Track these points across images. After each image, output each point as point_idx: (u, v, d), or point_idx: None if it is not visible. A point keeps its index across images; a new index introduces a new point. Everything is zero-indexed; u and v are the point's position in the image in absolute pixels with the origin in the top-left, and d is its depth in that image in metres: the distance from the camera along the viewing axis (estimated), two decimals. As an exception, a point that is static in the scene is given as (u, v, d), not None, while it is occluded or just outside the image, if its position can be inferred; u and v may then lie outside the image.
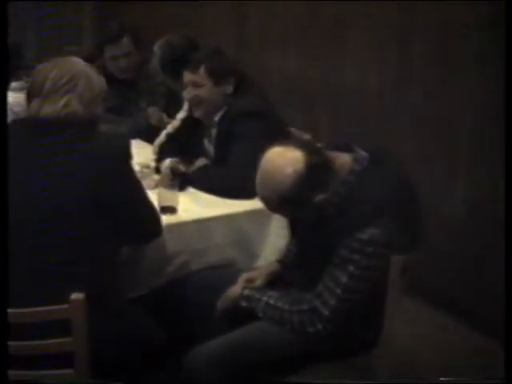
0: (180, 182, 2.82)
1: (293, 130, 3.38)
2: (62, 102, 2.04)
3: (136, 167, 2.89)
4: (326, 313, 2.02)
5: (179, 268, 2.54)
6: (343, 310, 2.02)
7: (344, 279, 1.99)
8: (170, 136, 3.20)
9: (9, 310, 1.68)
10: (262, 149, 2.04)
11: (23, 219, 1.97)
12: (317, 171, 1.96)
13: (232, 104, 2.84)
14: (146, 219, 2.22)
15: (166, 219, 2.47)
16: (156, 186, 2.77)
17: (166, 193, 2.58)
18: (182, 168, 2.89)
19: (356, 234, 1.95)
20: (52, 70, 2.10)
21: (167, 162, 2.95)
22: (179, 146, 3.10)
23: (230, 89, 2.87)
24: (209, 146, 3.03)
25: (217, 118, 2.89)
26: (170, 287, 2.52)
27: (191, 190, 2.83)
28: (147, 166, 3.00)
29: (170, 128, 3.21)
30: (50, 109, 2.04)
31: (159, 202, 2.56)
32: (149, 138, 3.37)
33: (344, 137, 2.59)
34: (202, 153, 3.05)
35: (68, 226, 1.98)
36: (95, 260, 2.03)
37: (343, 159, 2.05)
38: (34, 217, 1.97)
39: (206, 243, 2.59)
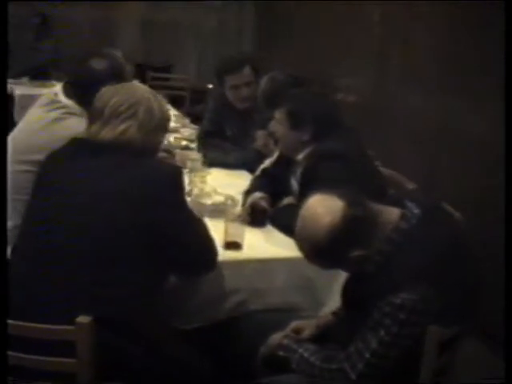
0: (260, 218, 2.77)
1: (393, 173, 3.24)
2: (120, 129, 2.07)
3: (219, 198, 2.90)
4: (353, 377, 1.89)
5: (237, 306, 2.48)
6: (371, 375, 1.87)
7: (374, 344, 1.85)
8: (264, 171, 3.17)
9: (11, 322, 1.71)
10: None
11: (61, 235, 1.99)
12: (356, 224, 1.84)
13: (317, 145, 2.74)
14: (195, 252, 2.17)
15: (227, 254, 2.43)
16: (234, 219, 2.73)
17: (233, 227, 2.53)
18: (263, 204, 2.83)
19: (389, 297, 1.80)
20: (113, 95, 2.13)
21: (253, 196, 2.91)
22: (271, 182, 3.04)
23: (306, 136, 2.77)
24: (295, 185, 2.95)
25: (300, 157, 2.80)
26: (226, 324, 2.46)
27: (268, 226, 2.76)
28: (232, 199, 2.98)
29: (267, 162, 3.19)
30: (109, 134, 2.07)
31: (225, 236, 2.52)
32: (255, 168, 3.34)
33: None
34: (291, 192, 2.97)
35: (103, 247, 1.97)
36: (131, 285, 2.00)
37: (390, 215, 1.91)
38: (73, 233, 1.98)
39: (268, 284, 2.51)
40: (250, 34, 8.12)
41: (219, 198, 2.96)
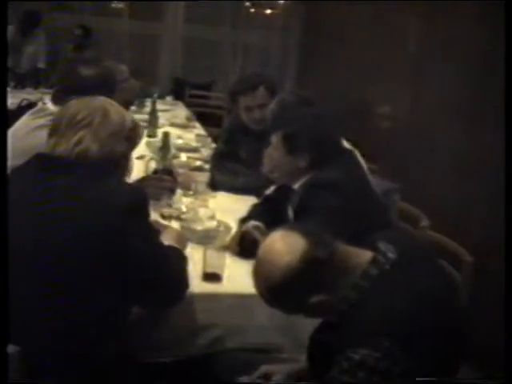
0: (249, 249, 2.60)
1: (407, 207, 3.04)
2: (74, 139, 1.93)
3: (211, 224, 2.74)
4: None
5: (211, 342, 2.31)
6: None
7: None
8: (266, 198, 3.00)
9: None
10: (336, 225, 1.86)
11: (20, 255, 1.86)
12: (317, 266, 1.65)
13: (313, 174, 2.56)
14: (158, 284, 2.01)
15: (203, 286, 2.28)
16: (221, 248, 2.57)
17: (213, 257, 2.37)
18: (255, 234, 2.65)
19: (348, 352, 1.60)
20: (71, 107, 2.02)
21: (247, 224, 2.75)
22: (270, 210, 2.87)
23: (303, 163, 2.59)
24: (291, 215, 2.76)
25: (297, 186, 2.62)
26: (196, 360, 2.29)
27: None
28: (226, 226, 2.81)
29: (269, 190, 3.01)
30: (63, 147, 1.94)
31: (203, 266, 2.36)
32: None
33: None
34: (287, 222, 2.78)
35: (56, 277, 1.84)
36: (88, 315, 1.87)
37: (360, 258, 1.71)
38: (29, 256, 1.86)
39: (246, 321, 2.33)
40: (293, 52, 7.98)
41: (211, 224, 2.80)
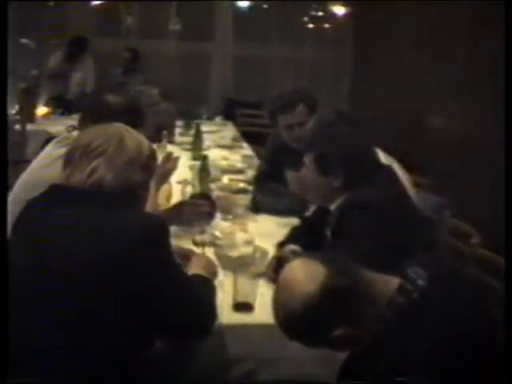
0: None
1: (460, 224, 2.88)
2: (88, 169, 1.87)
3: (247, 250, 2.64)
4: None
5: (244, 376, 2.19)
6: None
7: None
8: (304, 221, 2.88)
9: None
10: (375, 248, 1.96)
11: (34, 283, 1.80)
12: (339, 297, 1.53)
13: (348, 194, 2.43)
14: (181, 316, 1.90)
15: (233, 316, 2.17)
16: (260, 275, 2.48)
17: (245, 285, 2.27)
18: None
19: None
20: (85, 135, 1.96)
21: (284, 249, 2.63)
22: (308, 233, 2.75)
23: (337, 183, 2.46)
24: (329, 238, 2.63)
25: (333, 207, 2.49)
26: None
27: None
28: (262, 251, 2.70)
29: (308, 212, 2.90)
30: (78, 177, 1.87)
31: (234, 295, 2.25)
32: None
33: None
34: (325, 244, 2.65)
35: (71, 302, 1.76)
36: (105, 351, 1.78)
37: (387, 286, 1.58)
38: (42, 285, 1.79)
39: (280, 353, 2.20)
40: (346, 66, 7.85)
41: (247, 250, 2.69)
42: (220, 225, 3.11)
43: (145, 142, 2.00)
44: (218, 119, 6.77)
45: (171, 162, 2.87)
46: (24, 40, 6.79)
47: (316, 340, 1.60)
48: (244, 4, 8.26)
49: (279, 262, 2.52)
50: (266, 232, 3.07)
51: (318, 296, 1.52)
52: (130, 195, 1.90)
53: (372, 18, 7.01)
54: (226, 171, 4.32)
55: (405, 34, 6.20)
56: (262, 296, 2.29)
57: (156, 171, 2.55)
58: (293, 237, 2.77)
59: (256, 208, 3.43)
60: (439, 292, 1.58)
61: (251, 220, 3.26)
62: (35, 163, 2.72)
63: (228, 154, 5.05)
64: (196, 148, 4.78)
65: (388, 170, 2.57)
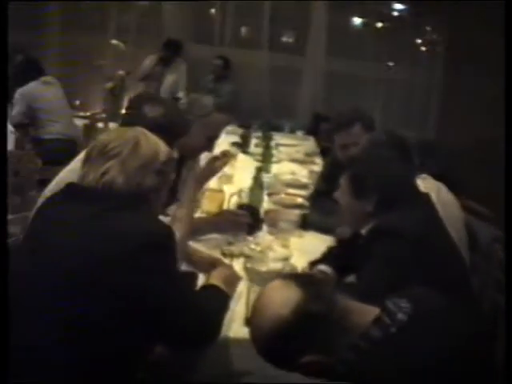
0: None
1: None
2: (102, 169, 1.91)
3: (276, 266, 2.63)
4: None
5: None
6: None
7: None
8: (341, 242, 2.84)
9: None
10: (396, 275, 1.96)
11: (38, 278, 1.84)
12: (310, 322, 1.50)
13: (379, 219, 2.37)
14: (178, 324, 1.91)
15: (241, 329, 2.17)
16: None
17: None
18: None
19: None
20: (104, 136, 2.01)
21: (315, 269, 2.61)
22: (344, 255, 2.70)
23: (370, 207, 2.40)
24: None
25: (364, 231, 2.44)
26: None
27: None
28: (293, 268, 2.68)
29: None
30: (92, 176, 1.92)
31: (246, 309, 2.24)
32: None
33: None
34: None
35: (74, 300, 1.78)
36: (100, 346, 1.79)
37: (364, 316, 1.54)
38: (46, 283, 1.83)
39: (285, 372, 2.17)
40: (437, 89, 7.66)
41: (276, 266, 2.67)
42: (262, 238, 3.10)
43: (162, 148, 2.03)
44: (299, 133, 6.77)
45: (219, 162, 2.84)
46: (114, 41, 6.98)
47: (287, 364, 1.58)
48: (357, 21, 8.25)
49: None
50: (310, 249, 3.02)
51: (290, 319, 1.51)
52: (140, 198, 1.93)
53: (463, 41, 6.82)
54: (289, 185, 4.30)
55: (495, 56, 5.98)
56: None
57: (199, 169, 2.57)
58: (326, 257, 2.73)
59: (305, 224, 3.39)
60: (421, 329, 1.52)
61: (297, 236, 3.23)
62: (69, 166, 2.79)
63: (297, 168, 5.02)
64: (265, 160, 4.79)
65: (425, 197, 2.49)
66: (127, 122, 2.61)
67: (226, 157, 2.88)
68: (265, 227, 3.25)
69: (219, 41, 8.00)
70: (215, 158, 2.80)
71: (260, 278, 2.56)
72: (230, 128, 6.11)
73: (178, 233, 2.54)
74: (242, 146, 5.49)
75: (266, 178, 4.27)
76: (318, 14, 7.69)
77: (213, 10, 8.03)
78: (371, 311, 1.53)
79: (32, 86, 5.88)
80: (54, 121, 5.75)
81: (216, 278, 2.28)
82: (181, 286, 1.94)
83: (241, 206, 3.22)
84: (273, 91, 7.56)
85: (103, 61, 7.23)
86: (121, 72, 6.50)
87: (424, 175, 2.98)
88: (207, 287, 2.21)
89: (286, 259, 2.86)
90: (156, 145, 2.02)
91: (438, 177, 3.06)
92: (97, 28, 7.89)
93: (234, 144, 5.55)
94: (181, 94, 7.48)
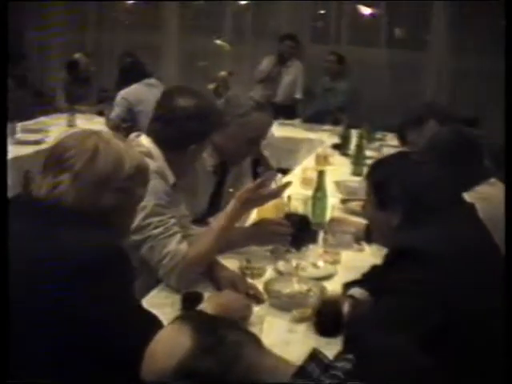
0: (329, 325, 2.07)
1: None
2: (52, 182, 1.65)
3: (300, 288, 2.26)
4: None
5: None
6: None
7: None
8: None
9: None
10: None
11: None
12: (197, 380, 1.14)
13: (403, 235, 1.93)
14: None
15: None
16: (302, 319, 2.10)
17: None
18: (343, 306, 2.09)
19: None
20: (64, 141, 1.72)
21: (348, 292, 2.20)
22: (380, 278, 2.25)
23: (396, 220, 1.96)
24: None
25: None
26: None
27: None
28: (322, 290, 2.29)
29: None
30: (42, 189, 1.66)
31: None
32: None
33: None
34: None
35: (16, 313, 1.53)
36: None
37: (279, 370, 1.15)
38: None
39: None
40: None
41: (300, 288, 2.28)
42: (309, 251, 2.70)
43: (128, 160, 1.71)
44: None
45: (268, 191, 2.53)
46: (218, 41, 6.80)
47: None
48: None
49: (328, 306, 2.09)
50: (363, 266, 2.59)
51: (173, 373, 1.15)
52: (93, 217, 1.64)
53: None
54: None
55: None
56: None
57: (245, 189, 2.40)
58: (367, 277, 2.29)
59: (369, 237, 2.95)
60: None
61: (356, 250, 2.81)
62: None
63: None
64: (356, 163, 4.35)
65: (468, 208, 2.00)
66: (159, 113, 2.47)
67: (281, 188, 2.60)
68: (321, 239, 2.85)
69: (335, 40, 7.60)
70: (263, 183, 2.47)
71: (281, 302, 2.20)
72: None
73: (198, 248, 2.34)
74: (341, 147, 5.10)
75: (350, 182, 3.87)
76: (438, 7, 7.08)
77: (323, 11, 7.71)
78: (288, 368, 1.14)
79: (134, 88, 5.80)
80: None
81: (210, 305, 1.95)
82: (117, 312, 1.61)
83: (288, 215, 2.83)
84: (392, 89, 7.06)
85: (205, 62, 7.09)
86: (223, 73, 6.28)
87: (493, 180, 2.50)
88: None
89: (326, 277, 2.47)
90: (118, 156, 1.70)
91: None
92: (210, 29, 7.78)
93: (334, 146, 5.19)
94: (298, 95, 7.20)
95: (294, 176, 4.04)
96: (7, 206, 1.68)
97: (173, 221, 2.31)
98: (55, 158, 1.68)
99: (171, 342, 1.23)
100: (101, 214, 1.65)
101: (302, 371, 1.18)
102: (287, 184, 2.65)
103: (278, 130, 6.07)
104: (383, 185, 1.98)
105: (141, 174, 1.76)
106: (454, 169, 2.50)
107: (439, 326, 1.74)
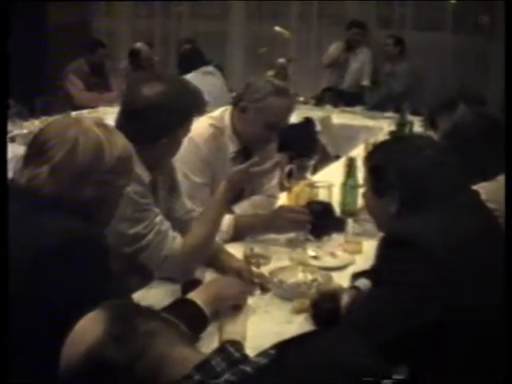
0: (324, 317, 2.00)
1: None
2: (32, 173, 1.62)
3: (304, 278, 2.21)
4: None
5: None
6: None
7: None
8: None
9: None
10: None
11: None
12: (102, 370, 1.13)
13: (392, 223, 1.84)
14: None
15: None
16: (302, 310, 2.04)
17: (235, 322, 1.85)
18: (342, 298, 2.02)
19: None
20: (44, 131, 1.69)
21: (357, 282, 2.13)
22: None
23: (393, 207, 1.85)
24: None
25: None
26: None
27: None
28: (328, 279, 2.22)
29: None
30: (22, 178, 1.63)
31: (220, 333, 1.84)
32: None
33: None
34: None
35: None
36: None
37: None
38: None
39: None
40: None
41: (305, 277, 2.21)
42: (330, 240, 2.63)
43: (108, 152, 1.66)
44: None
45: (259, 168, 2.42)
46: (278, 28, 6.69)
47: None
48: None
49: (325, 297, 2.03)
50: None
51: (79, 362, 1.15)
52: (70, 207, 1.61)
53: None
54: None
55: None
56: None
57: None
58: (372, 268, 2.20)
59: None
60: None
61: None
62: None
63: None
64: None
65: (472, 196, 1.88)
66: (125, 103, 2.25)
67: (275, 165, 2.49)
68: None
69: (400, 24, 7.40)
70: (255, 163, 2.39)
71: (283, 291, 2.15)
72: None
73: (195, 238, 2.25)
74: (396, 134, 4.97)
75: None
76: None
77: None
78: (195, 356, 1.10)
79: (190, 77, 5.79)
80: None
81: (201, 293, 1.92)
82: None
83: (309, 203, 2.76)
84: (456, 74, 6.82)
85: (265, 48, 6.99)
86: (281, 60, 6.21)
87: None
88: (178, 303, 1.85)
89: (342, 267, 2.40)
90: (98, 148, 1.65)
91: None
92: (275, 15, 7.71)
93: (390, 134, 5.07)
94: (365, 82, 7.08)
95: (341, 163, 3.95)
96: (7, 206, 1.66)
97: (158, 219, 2.19)
98: (36, 148, 1.66)
99: (83, 328, 1.20)
100: (79, 204, 1.62)
101: (204, 364, 1.13)
102: (279, 162, 2.55)
103: (338, 118, 6.01)
104: (380, 170, 1.89)
105: (123, 164, 1.70)
106: (477, 155, 2.38)
107: (434, 319, 1.66)
